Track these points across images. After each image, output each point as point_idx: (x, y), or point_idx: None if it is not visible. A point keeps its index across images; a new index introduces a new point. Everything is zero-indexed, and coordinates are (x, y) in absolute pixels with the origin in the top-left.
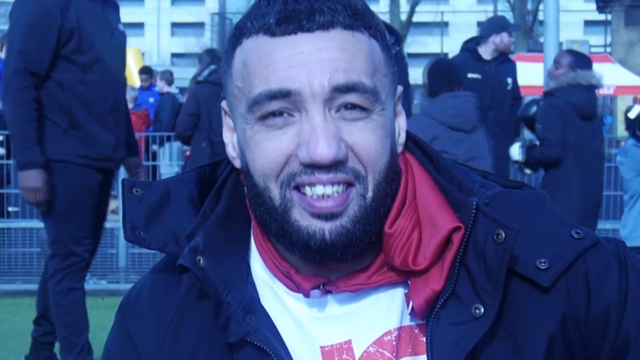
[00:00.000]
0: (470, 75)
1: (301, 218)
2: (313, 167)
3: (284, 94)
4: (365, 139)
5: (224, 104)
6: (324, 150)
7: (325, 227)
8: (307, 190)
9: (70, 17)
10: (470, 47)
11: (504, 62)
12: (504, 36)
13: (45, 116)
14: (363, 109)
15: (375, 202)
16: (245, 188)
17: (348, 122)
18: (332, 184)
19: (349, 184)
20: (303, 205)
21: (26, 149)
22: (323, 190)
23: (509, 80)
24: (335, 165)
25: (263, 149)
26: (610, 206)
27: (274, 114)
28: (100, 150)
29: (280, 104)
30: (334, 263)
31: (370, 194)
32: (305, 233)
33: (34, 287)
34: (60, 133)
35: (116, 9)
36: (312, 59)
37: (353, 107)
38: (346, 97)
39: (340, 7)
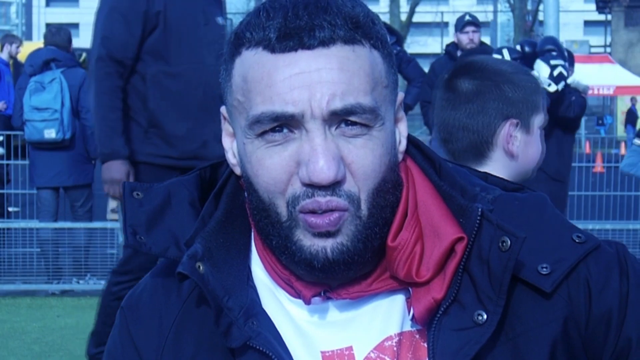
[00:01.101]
0: None
1: (304, 238)
2: (313, 186)
3: (287, 117)
4: (363, 158)
5: (223, 109)
6: (323, 172)
7: (327, 245)
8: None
9: (157, 1)
10: (449, 49)
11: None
12: (458, 35)
13: (128, 114)
14: (363, 125)
15: (372, 218)
16: (245, 194)
17: (348, 138)
18: (329, 210)
19: (342, 209)
20: (305, 225)
21: (108, 138)
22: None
23: None
24: (333, 185)
25: (265, 167)
26: (618, 207)
27: (273, 129)
28: (185, 148)
29: (281, 123)
30: (335, 275)
31: (365, 211)
32: (307, 253)
33: (34, 287)
34: (142, 132)
35: (219, 3)
36: (312, 80)
37: (353, 123)
38: (345, 118)
39: (341, 21)
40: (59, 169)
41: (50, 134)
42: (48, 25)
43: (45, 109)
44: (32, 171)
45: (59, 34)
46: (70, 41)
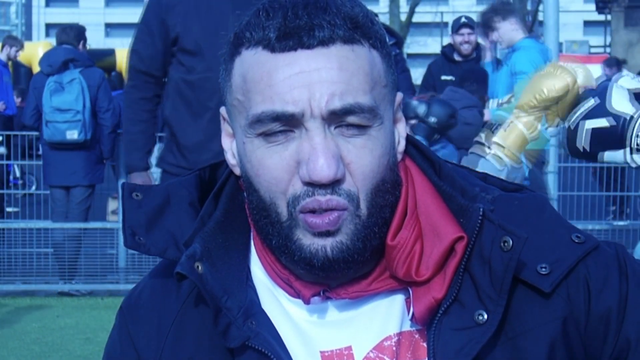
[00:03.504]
0: (443, 78)
1: (304, 237)
2: (313, 185)
3: (287, 117)
4: (362, 158)
5: (222, 110)
6: (323, 170)
7: (326, 243)
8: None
9: (175, 11)
10: (445, 50)
11: (480, 59)
12: (454, 36)
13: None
14: (362, 125)
15: (371, 217)
16: (245, 195)
17: (347, 138)
18: (329, 209)
19: (342, 209)
20: (305, 225)
21: (128, 151)
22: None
23: None
24: (333, 183)
25: (266, 167)
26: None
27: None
28: (195, 159)
29: (281, 123)
30: (335, 274)
31: (364, 211)
32: (307, 252)
33: (34, 287)
34: (166, 141)
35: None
36: (312, 80)
37: (352, 123)
38: (344, 118)
39: (340, 21)
40: (76, 168)
41: (73, 135)
42: (48, 25)
43: (67, 110)
44: (46, 170)
45: (66, 33)
46: (79, 39)
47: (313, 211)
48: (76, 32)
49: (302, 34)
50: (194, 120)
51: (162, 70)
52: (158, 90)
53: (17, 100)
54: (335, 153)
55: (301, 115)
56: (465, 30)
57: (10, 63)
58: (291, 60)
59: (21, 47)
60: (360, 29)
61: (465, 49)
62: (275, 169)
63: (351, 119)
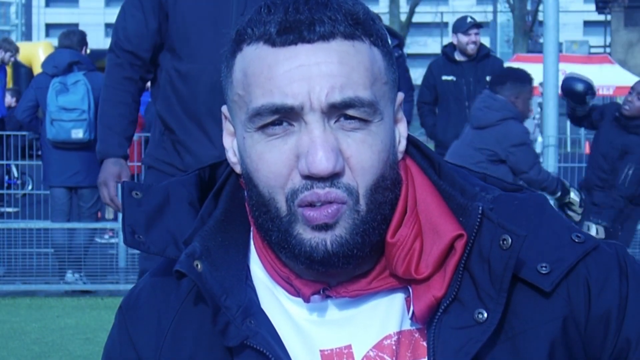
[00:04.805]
0: (444, 78)
1: (303, 232)
2: (312, 178)
3: (286, 109)
4: (362, 153)
5: (224, 109)
6: (322, 163)
7: (326, 237)
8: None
9: None
10: (446, 50)
11: (482, 60)
12: (459, 36)
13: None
14: (362, 120)
15: (370, 213)
16: (245, 193)
17: (346, 132)
18: (328, 202)
19: (341, 202)
20: (304, 219)
21: (103, 136)
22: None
23: (489, 78)
24: (332, 177)
25: (265, 161)
26: None
27: (273, 123)
28: (192, 160)
29: (281, 116)
30: (335, 269)
31: (363, 206)
32: (307, 246)
33: (34, 287)
34: (158, 135)
35: None
36: (311, 73)
37: (352, 117)
38: (343, 112)
39: (341, 17)
40: (77, 168)
41: (78, 134)
42: (48, 25)
43: (73, 110)
44: (46, 170)
45: (69, 38)
46: (81, 45)
47: (311, 204)
48: (79, 38)
49: (303, 28)
50: (193, 115)
51: (150, 53)
52: (144, 74)
53: (12, 100)
54: (334, 146)
55: (300, 109)
56: (473, 31)
57: (10, 64)
58: (291, 54)
59: (16, 51)
60: (361, 26)
61: (472, 49)
62: (274, 163)
63: (351, 113)
